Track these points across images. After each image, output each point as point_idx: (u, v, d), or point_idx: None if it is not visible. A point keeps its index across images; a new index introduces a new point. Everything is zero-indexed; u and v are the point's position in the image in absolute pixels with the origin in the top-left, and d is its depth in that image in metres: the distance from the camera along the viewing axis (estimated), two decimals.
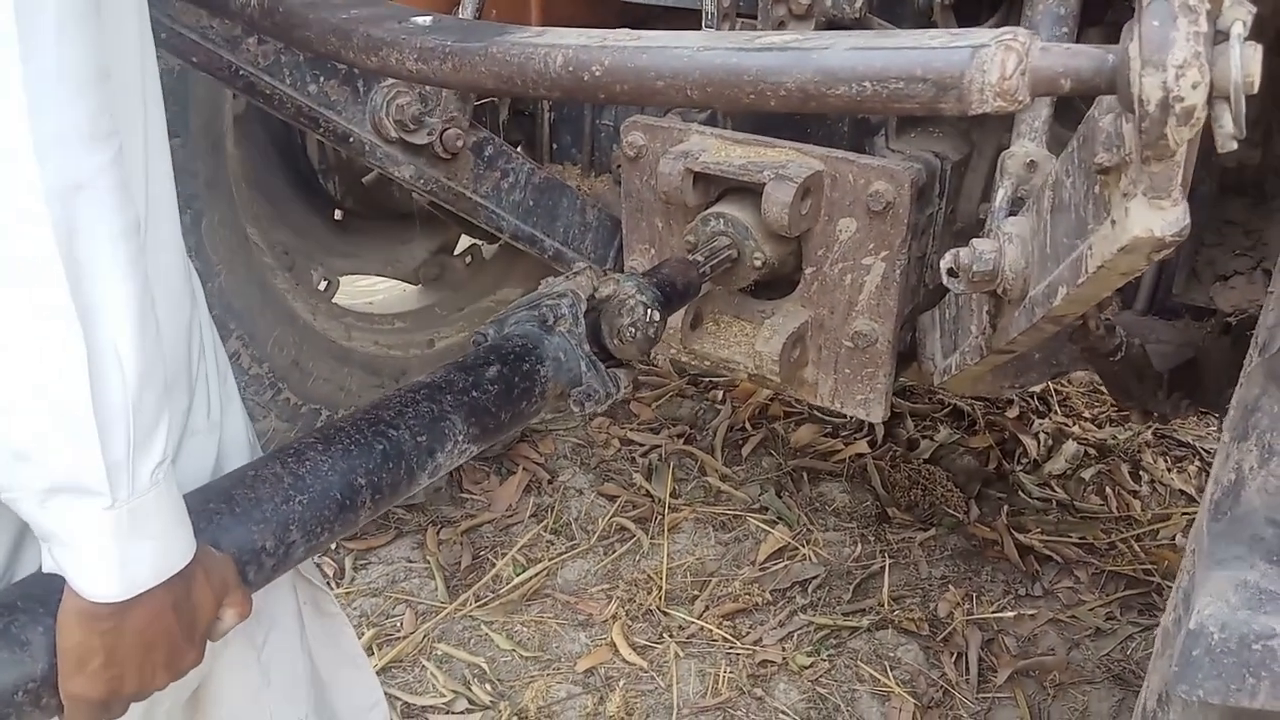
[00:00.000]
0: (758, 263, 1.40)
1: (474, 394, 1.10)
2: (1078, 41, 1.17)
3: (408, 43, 0.81)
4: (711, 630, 2.10)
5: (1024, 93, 0.66)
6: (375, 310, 2.36)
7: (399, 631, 2.10)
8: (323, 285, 2.19)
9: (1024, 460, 2.67)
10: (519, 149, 1.88)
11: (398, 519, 2.40)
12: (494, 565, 2.28)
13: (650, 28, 1.96)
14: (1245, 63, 0.59)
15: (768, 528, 2.39)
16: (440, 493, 2.44)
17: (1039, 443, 2.70)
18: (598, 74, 0.77)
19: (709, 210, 1.41)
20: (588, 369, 1.20)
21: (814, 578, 2.25)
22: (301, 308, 1.99)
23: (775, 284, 1.52)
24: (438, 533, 2.37)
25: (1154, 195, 0.66)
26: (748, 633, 2.11)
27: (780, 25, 1.33)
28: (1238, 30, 0.59)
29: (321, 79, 1.49)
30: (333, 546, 2.25)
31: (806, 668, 2.02)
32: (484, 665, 2.01)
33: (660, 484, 2.53)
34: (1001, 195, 1.14)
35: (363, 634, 2.07)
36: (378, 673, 1.97)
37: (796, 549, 2.34)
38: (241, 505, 0.90)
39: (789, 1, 1.32)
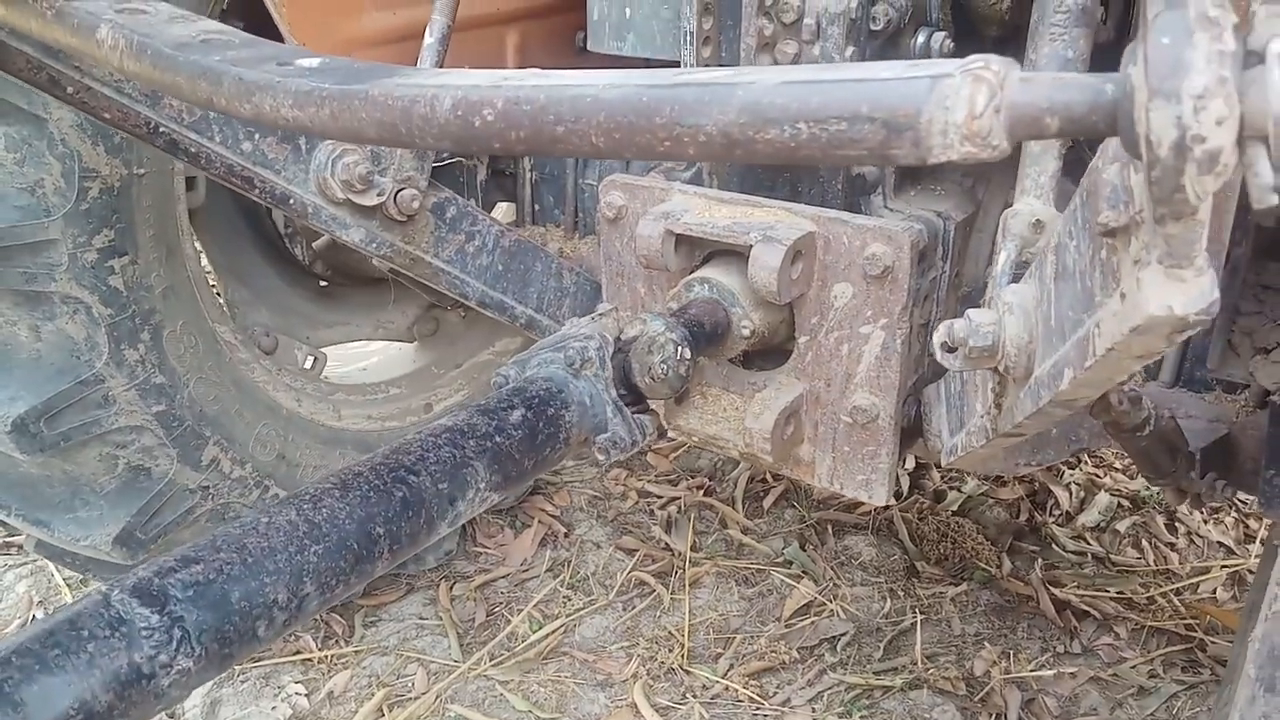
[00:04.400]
0: (745, 332, 1.30)
1: (497, 439, 1.04)
2: None
3: (282, 86, 0.71)
4: (737, 690, 2.01)
5: (999, 135, 0.52)
6: (367, 380, 2.28)
7: (410, 692, 2.02)
8: (309, 363, 2.13)
9: (1056, 512, 2.59)
10: (491, 210, 1.80)
11: (409, 574, 2.33)
12: (509, 622, 2.20)
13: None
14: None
15: (793, 582, 2.31)
16: (453, 548, 2.37)
17: (1070, 494, 2.62)
18: (490, 119, 0.66)
19: (693, 275, 1.31)
20: (614, 415, 1.15)
21: (843, 634, 2.17)
22: (284, 397, 1.92)
23: (768, 354, 1.42)
24: (450, 588, 2.29)
25: (1172, 264, 0.53)
26: (775, 692, 2.02)
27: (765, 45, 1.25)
28: (1277, 49, 0.45)
29: (257, 135, 1.37)
30: (341, 602, 2.18)
31: None
32: None
33: (680, 537, 2.45)
34: (1004, 259, 1.01)
35: (373, 694, 1.99)
36: None
37: (823, 604, 2.25)
38: (254, 554, 0.84)
39: (774, 51, 1.24)
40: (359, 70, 0.71)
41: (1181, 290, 0.52)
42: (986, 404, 1.02)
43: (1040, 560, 2.39)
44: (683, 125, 0.56)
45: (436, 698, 2.01)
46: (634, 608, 2.25)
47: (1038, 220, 0.99)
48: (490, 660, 2.11)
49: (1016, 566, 2.39)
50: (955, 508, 2.58)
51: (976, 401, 1.13)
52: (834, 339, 1.37)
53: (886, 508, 2.57)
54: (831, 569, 2.36)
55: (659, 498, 2.62)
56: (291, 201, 1.40)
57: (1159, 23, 0.45)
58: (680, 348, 1.21)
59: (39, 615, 2.31)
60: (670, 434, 1.47)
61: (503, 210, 2.05)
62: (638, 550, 2.42)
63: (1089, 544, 2.46)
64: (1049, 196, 1.02)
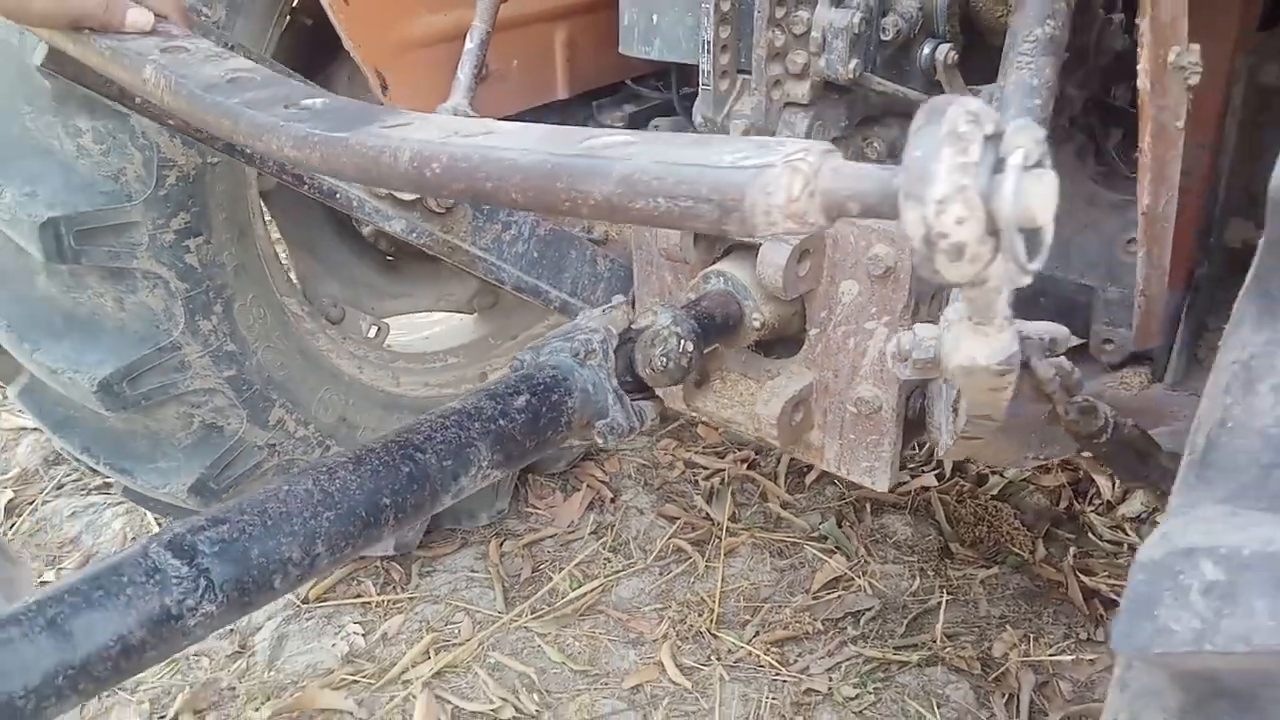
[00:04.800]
0: (757, 324, 1.38)
1: (501, 422, 1.16)
2: None
3: (285, 130, 0.81)
4: (759, 656, 2.12)
5: (815, 215, 0.59)
6: (427, 349, 2.42)
7: (456, 638, 2.18)
8: (373, 332, 2.28)
9: (1096, 501, 2.60)
10: None
11: (464, 529, 2.49)
12: (551, 579, 2.35)
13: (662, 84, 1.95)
14: (1023, 196, 0.52)
15: (825, 557, 2.39)
16: (505, 507, 2.52)
17: (1113, 484, 2.62)
18: (437, 171, 0.75)
19: (710, 268, 1.39)
20: (614, 403, 1.25)
21: (868, 609, 2.24)
22: (347, 364, 2.07)
23: (786, 343, 1.49)
24: (501, 545, 2.45)
25: (978, 321, 0.61)
26: (795, 660, 2.11)
27: (776, 84, 1.32)
28: (1015, 160, 0.52)
29: None
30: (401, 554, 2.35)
31: (851, 699, 2.02)
32: (534, 676, 2.08)
33: (720, 508, 2.55)
34: None
35: (421, 638, 2.16)
36: (432, 677, 2.06)
37: (852, 580, 2.33)
38: (273, 517, 0.97)
39: (785, 61, 1.32)
40: (350, 115, 0.82)
41: (985, 344, 0.59)
42: (947, 408, 1.09)
43: (1075, 548, 2.41)
44: (577, 191, 0.65)
45: (479, 645, 2.17)
46: (670, 573, 2.37)
47: None
48: (531, 613, 2.25)
49: (1050, 553, 2.42)
50: (995, 492, 2.61)
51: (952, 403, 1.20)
52: (841, 333, 1.44)
53: (926, 489, 2.62)
54: (865, 546, 2.44)
55: (704, 469, 2.72)
56: (338, 196, 1.53)
57: (916, 137, 0.53)
58: (684, 341, 1.30)
59: None
60: (690, 415, 1.57)
61: None
62: (679, 518, 2.53)
63: (1127, 534, 2.47)
64: None
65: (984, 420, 0.90)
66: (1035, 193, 0.52)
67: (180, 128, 1.37)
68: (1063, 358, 1.04)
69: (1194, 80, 0.79)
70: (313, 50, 1.89)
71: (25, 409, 1.85)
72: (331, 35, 1.62)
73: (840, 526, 2.49)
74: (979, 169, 0.52)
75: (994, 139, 0.53)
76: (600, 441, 1.25)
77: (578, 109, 1.98)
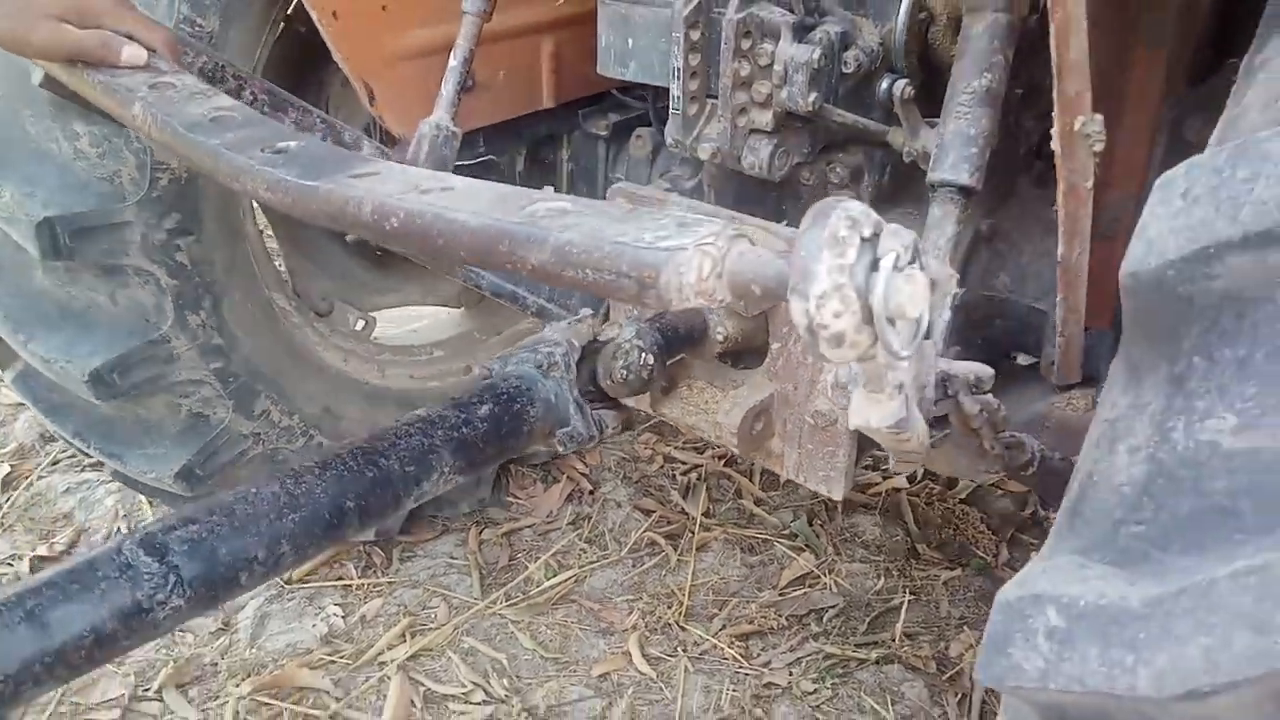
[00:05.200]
0: (720, 336, 1.43)
1: (464, 430, 1.22)
2: None
3: (260, 175, 0.89)
4: (724, 649, 2.20)
5: (722, 293, 0.67)
6: (413, 342, 2.49)
7: (432, 623, 2.26)
8: (359, 325, 2.34)
9: None
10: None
11: (445, 517, 2.56)
12: (528, 568, 2.42)
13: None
14: (894, 294, 0.59)
15: (794, 554, 2.47)
16: (486, 496, 2.60)
17: None
18: (395, 225, 0.83)
19: None
20: (575, 412, 1.32)
21: (831, 607, 2.32)
22: (332, 356, 2.14)
23: (754, 353, 1.54)
24: (480, 533, 2.52)
25: (871, 389, 0.68)
26: (758, 655, 2.19)
27: (741, 112, 1.39)
28: (887, 262, 0.59)
29: None
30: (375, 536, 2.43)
31: (809, 694, 2.10)
32: (505, 661, 2.16)
33: (695, 503, 2.63)
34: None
35: (398, 622, 2.24)
36: (407, 660, 2.14)
37: (819, 577, 2.41)
38: (240, 519, 1.04)
39: (750, 90, 1.37)
40: (322, 160, 0.89)
41: (878, 409, 0.67)
42: None
43: (1036, 553, 2.48)
44: (516, 256, 0.72)
45: (454, 630, 2.24)
46: (643, 565, 2.45)
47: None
48: (506, 601, 2.33)
49: (1014, 556, 2.49)
50: (964, 495, 2.68)
51: None
52: (800, 348, 1.51)
53: (897, 490, 2.69)
54: (834, 545, 2.51)
55: (683, 464, 2.79)
56: None
57: (803, 238, 0.60)
58: (645, 354, 1.37)
59: (122, 528, 2.63)
60: (657, 419, 1.63)
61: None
62: (655, 512, 2.61)
63: None
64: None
65: (906, 460, 0.96)
66: (905, 291, 0.59)
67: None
68: (989, 395, 1.11)
69: (1098, 147, 0.85)
70: (305, 56, 1.95)
71: (20, 394, 1.93)
72: (324, 42, 1.68)
73: (811, 525, 2.56)
74: (855, 269, 0.59)
75: (870, 241, 0.60)
76: (560, 449, 1.32)
77: (563, 117, 2.04)
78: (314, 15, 1.61)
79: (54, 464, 2.86)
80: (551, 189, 2.15)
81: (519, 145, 2.09)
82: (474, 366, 2.52)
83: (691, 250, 0.66)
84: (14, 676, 0.89)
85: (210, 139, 0.92)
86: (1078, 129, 0.84)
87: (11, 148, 1.64)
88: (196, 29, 1.64)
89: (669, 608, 2.32)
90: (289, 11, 1.80)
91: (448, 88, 1.57)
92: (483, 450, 1.25)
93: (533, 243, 0.72)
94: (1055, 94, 0.83)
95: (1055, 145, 0.86)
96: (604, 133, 2.04)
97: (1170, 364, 0.69)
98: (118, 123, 1.58)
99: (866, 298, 0.59)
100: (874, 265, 0.59)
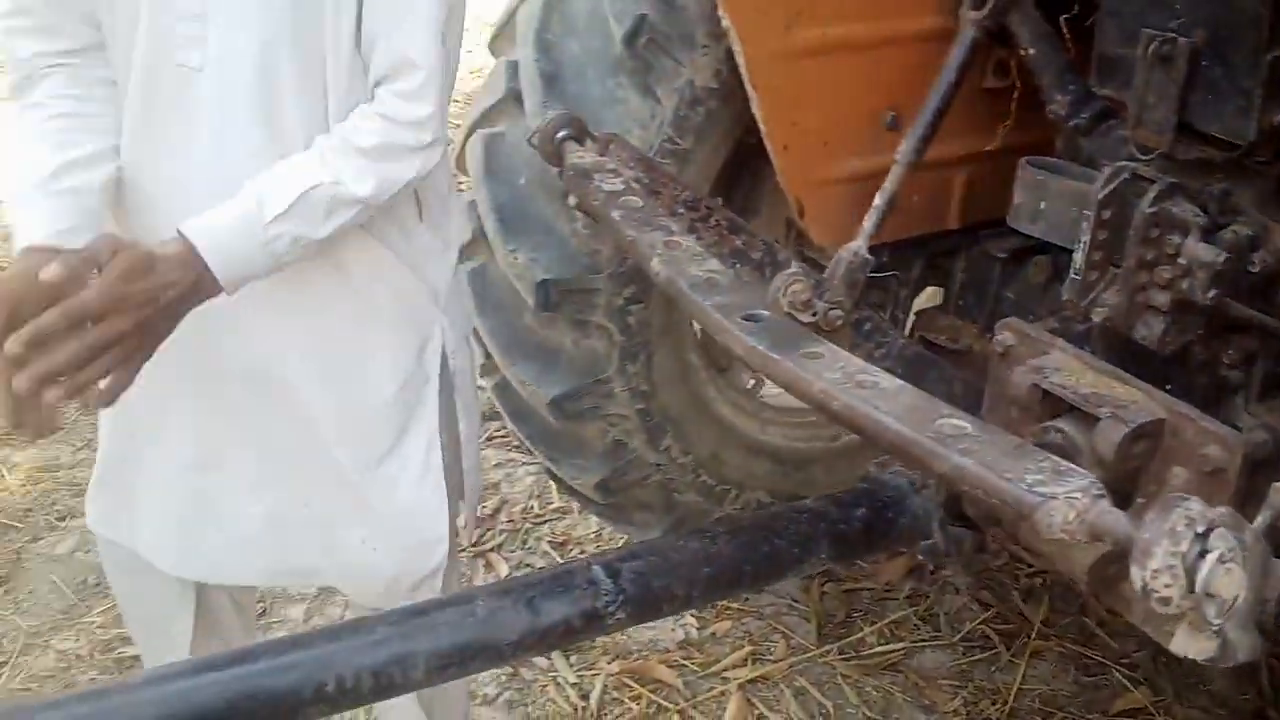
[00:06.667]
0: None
1: (840, 526, 1.49)
2: None
3: (738, 338, 1.18)
4: None
5: (1081, 536, 0.87)
6: (793, 404, 2.76)
7: (771, 655, 2.55)
8: (750, 384, 2.66)
9: None
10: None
11: None
12: (862, 630, 2.64)
13: None
14: (1213, 580, 0.77)
15: (1130, 685, 2.46)
16: None
17: None
18: (835, 408, 1.09)
19: (1050, 423, 1.55)
20: (938, 530, 1.53)
21: None
22: (726, 411, 2.46)
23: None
24: (822, 585, 2.77)
25: (1194, 626, 0.84)
26: None
27: (1140, 289, 1.47)
28: (1212, 557, 0.78)
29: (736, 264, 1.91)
30: None
31: None
32: (830, 709, 2.39)
33: (1035, 608, 2.69)
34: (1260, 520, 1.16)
35: (743, 647, 2.56)
36: (746, 682, 2.44)
37: (1153, 716, 2.39)
38: (670, 562, 1.38)
39: (1152, 273, 1.45)
40: (782, 335, 1.19)
41: (1195, 643, 0.88)
42: None
43: None
44: (924, 462, 0.98)
45: (790, 667, 2.52)
46: (973, 655, 2.57)
47: None
48: (839, 654, 2.57)
49: None
50: None
51: None
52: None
53: None
54: (1176, 687, 2.46)
55: (1028, 566, 2.85)
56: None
57: (1149, 523, 0.80)
58: None
59: (534, 506, 3.19)
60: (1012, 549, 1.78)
61: (927, 295, 2.43)
62: (993, 607, 2.70)
63: None
64: None
65: None
66: (1224, 581, 0.79)
67: None
68: None
69: None
70: (746, 163, 2.31)
71: (495, 399, 2.48)
72: (764, 155, 2.01)
73: (1155, 661, 2.53)
74: (1186, 555, 0.81)
75: (1202, 536, 0.80)
76: (920, 558, 1.54)
77: (963, 236, 2.23)
78: (769, 145, 1.95)
79: (489, 440, 3.53)
80: (943, 312, 2.34)
81: (919, 256, 2.31)
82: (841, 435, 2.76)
83: (1061, 501, 0.89)
84: (513, 644, 1.28)
85: (705, 299, 1.26)
86: None
87: (529, 221, 2.14)
88: (675, 145, 2.05)
89: (993, 703, 2.42)
90: (740, 134, 2.16)
91: (869, 222, 1.83)
92: (853, 547, 1.50)
93: (937, 458, 0.98)
94: None
95: None
96: (1002, 254, 2.20)
97: None
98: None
99: (1192, 577, 0.79)
100: (1201, 554, 0.78)
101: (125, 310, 1.16)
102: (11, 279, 1.17)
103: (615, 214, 1.49)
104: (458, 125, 2.45)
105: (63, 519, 3.17)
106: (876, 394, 1.06)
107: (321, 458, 1.53)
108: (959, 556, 1.53)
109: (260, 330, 1.44)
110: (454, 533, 1.70)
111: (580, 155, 1.66)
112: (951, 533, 1.54)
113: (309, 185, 1.28)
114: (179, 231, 1.25)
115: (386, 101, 1.34)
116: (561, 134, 1.72)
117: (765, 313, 1.24)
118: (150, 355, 1.24)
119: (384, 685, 1.20)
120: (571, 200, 1.75)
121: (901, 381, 1.09)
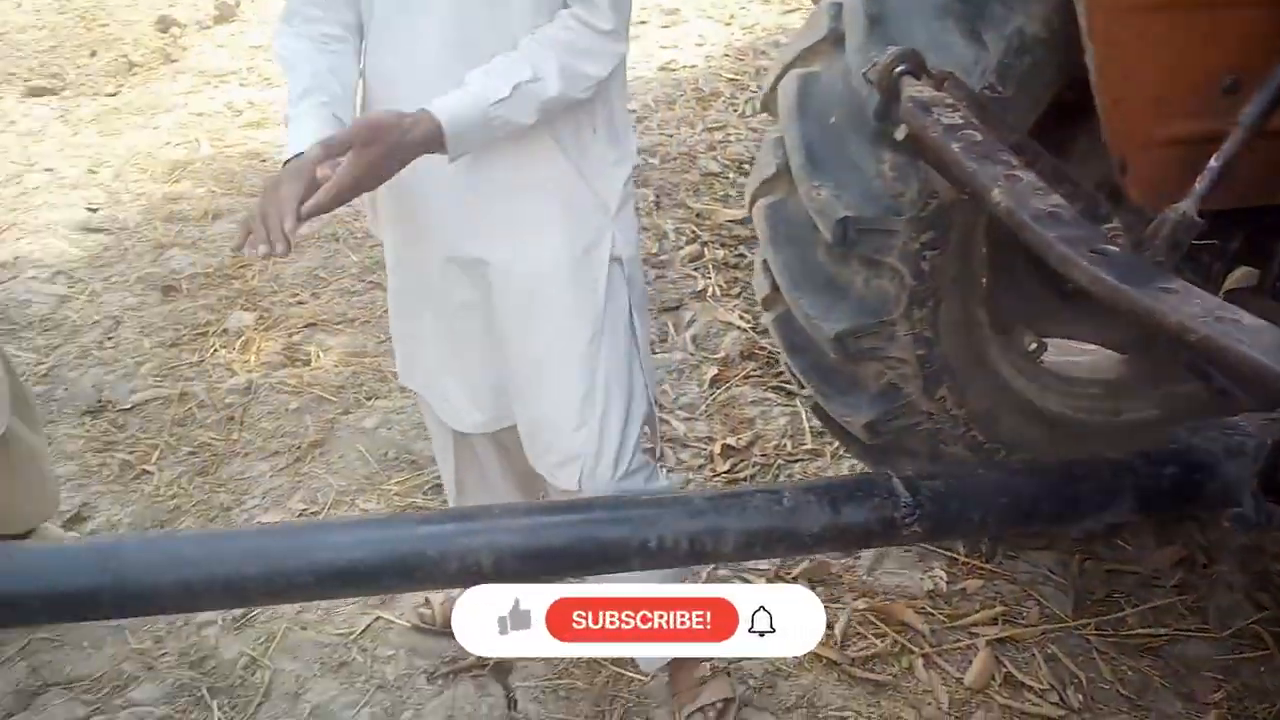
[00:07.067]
0: None
1: (1148, 481, 1.47)
2: None
3: (1087, 270, 1.17)
4: None
5: None
6: (1074, 373, 2.67)
7: (1023, 619, 2.53)
8: (1032, 346, 2.59)
9: None
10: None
11: (1054, 534, 2.78)
12: (1124, 610, 2.56)
13: None
14: None
15: None
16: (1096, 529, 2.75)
17: None
18: (1194, 340, 1.08)
19: None
20: (1249, 499, 1.47)
21: None
22: (1007, 370, 2.42)
23: None
24: (1083, 562, 2.70)
25: None
26: None
27: None
28: None
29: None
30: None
31: None
32: (1084, 680, 2.35)
33: None
34: None
35: (993, 606, 2.55)
36: (995, 640, 2.44)
37: None
38: (968, 488, 1.42)
39: None
40: (1131, 269, 1.20)
41: None
42: None
43: None
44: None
45: (1042, 634, 2.49)
46: (1242, 653, 2.44)
47: None
48: (1095, 629, 2.51)
49: None
50: None
51: None
52: None
53: None
54: None
55: None
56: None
57: None
58: None
59: (787, 444, 3.28)
60: None
61: (1239, 275, 2.29)
62: (1269, 609, 2.54)
63: None
64: None
65: None
66: None
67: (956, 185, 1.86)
68: None
69: None
70: (1060, 118, 2.25)
71: (773, 331, 2.57)
72: (1080, 110, 1.96)
73: None
74: None
75: None
76: (1226, 526, 1.50)
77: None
78: (1098, 100, 1.90)
79: (746, 378, 3.65)
80: (1256, 294, 2.21)
81: (1241, 230, 2.18)
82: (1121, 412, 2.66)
83: None
84: (814, 535, 1.37)
85: (1049, 231, 1.28)
86: None
87: (837, 159, 2.20)
88: (996, 93, 2.04)
89: (1260, 703, 2.30)
90: (1058, 90, 2.10)
91: (1202, 184, 1.76)
92: (1157, 503, 1.48)
93: None
94: None
95: None
96: None
97: None
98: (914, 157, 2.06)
99: None
100: None
101: (377, 142, 1.54)
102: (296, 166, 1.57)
103: (955, 145, 1.52)
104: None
105: (370, 399, 3.59)
106: (1239, 328, 1.05)
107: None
108: (1269, 527, 1.47)
109: (459, 222, 1.87)
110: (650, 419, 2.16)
111: (919, 89, 1.69)
112: (1264, 504, 1.48)
113: (522, 79, 1.63)
114: (423, 109, 1.61)
115: (579, 13, 1.68)
116: (900, 68, 1.76)
117: (1113, 248, 1.25)
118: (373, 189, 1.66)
119: (697, 551, 1.33)
120: (900, 134, 1.79)
121: (1264, 323, 1.08)
